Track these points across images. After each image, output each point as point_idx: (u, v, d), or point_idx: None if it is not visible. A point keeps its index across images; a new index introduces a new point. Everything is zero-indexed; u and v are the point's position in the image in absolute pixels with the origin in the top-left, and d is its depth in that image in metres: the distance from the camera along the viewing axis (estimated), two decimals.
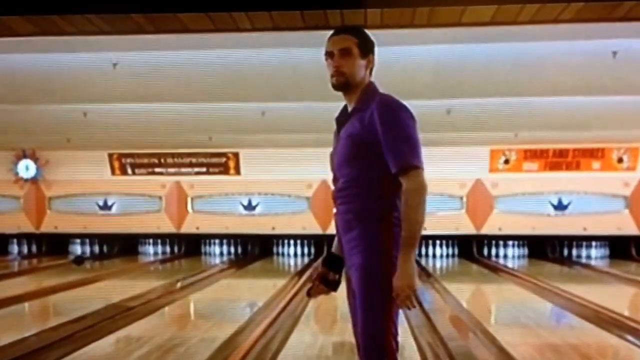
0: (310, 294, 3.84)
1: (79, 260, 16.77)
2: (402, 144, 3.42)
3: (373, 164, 3.46)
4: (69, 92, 12.04)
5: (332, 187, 3.69)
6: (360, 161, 3.49)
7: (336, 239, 3.77)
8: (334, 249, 3.79)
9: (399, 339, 3.52)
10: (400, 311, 3.52)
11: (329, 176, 3.73)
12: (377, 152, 3.43)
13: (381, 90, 3.61)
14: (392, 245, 3.43)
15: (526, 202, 16.71)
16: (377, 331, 3.43)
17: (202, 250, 17.96)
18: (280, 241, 17.74)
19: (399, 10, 8.42)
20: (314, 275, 3.84)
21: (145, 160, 17.49)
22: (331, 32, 3.68)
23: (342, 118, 3.66)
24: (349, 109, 3.63)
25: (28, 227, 17.96)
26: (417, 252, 3.43)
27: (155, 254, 17.94)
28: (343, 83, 3.58)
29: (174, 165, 17.51)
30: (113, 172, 17.62)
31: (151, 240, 18.14)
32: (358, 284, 3.48)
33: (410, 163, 3.40)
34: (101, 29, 9.23)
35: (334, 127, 3.77)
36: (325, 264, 3.78)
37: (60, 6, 8.40)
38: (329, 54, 3.62)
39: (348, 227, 3.54)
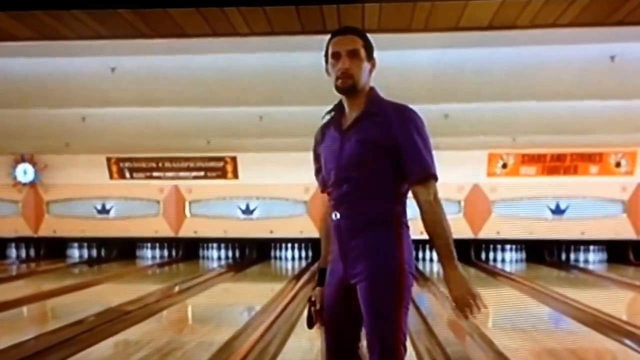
0: (312, 324, 3.61)
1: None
2: (426, 153, 3.37)
3: (385, 168, 3.37)
4: (67, 96, 12.02)
5: (331, 192, 3.51)
6: (373, 165, 3.38)
7: (325, 250, 3.68)
8: (323, 264, 3.68)
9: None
10: None
11: None
12: (390, 157, 3.35)
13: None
14: (404, 249, 3.39)
15: (524, 207, 16.74)
16: (387, 337, 3.34)
17: (200, 254, 17.98)
18: (278, 245, 17.77)
19: (397, 6, 8.32)
20: (314, 304, 3.62)
21: (144, 165, 17.52)
22: (328, 35, 3.55)
23: (339, 121, 3.53)
24: (350, 112, 3.49)
25: (26, 231, 17.98)
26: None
27: (153, 257, 17.94)
28: (350, 86, 3.42)
29: (172, 169, 17.53)
30: (111, 176, 17.65)
31: (149, 244, 18.15)
32: (368, 290, 3.36)
33: (432, 173, 3.37)
34: (92, 28, 9.11)
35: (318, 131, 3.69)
36: (322, 284, 3.63)
37: (44, 1, 8.20)
38: (334, 55, 3.45)
39: (356, 232, 3.40)
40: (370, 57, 3.49)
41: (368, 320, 3.36)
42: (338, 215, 3.46)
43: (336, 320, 3.53)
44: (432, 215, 3.34)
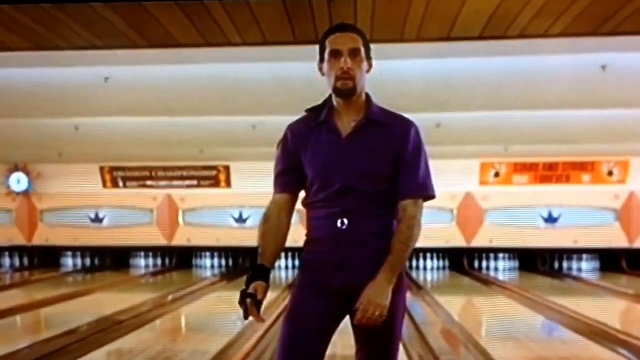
0: (248, 315, 3.33)
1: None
2: (427, 173, 3.27)
3: (390, 180, 3.23)
4: (60, 106, 12.03)
5: (330, 199, 3.31)
6: (382, 176, 3.22)
7: (266, 249, 3.54)
8: (265, 262, 3.47)
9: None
10: None
11: None
12: (393, 169, 3.21)
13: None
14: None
15: (516, 215, 16.77)
16: (387, 351, 3.30)
17: (193, 263, 17.96)
18: None
19: (392, 1, 8.21)
20: (253, 296, 3.34)
21: (137, 174, 17.52)
22: (319, 42, 3.32)
23: (332, 124, 3.29)
24: (346, 117, 3.27)
25: (20, 240, 17.95)
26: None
27: (147, 266, 17.93)
28: (351, 88, 3.18)
29: (165, 178, 17.53)
30: (104, 185, 17.63)
31: (142, 253, 18.13)
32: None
33: (431, 194, 3.28)
34: (85, 38, 9.05)
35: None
36: (265, 280, 3.37)
37: None
38: (333, 53, 3.19)
39: (362, 242, 3.23)
40: (369, 57, 3.27)
41: (367, 332, 3.26)
42: (346, 223, 3.25)
43: (315, 334, 3.37)
44: (410, 236, 3.21)
